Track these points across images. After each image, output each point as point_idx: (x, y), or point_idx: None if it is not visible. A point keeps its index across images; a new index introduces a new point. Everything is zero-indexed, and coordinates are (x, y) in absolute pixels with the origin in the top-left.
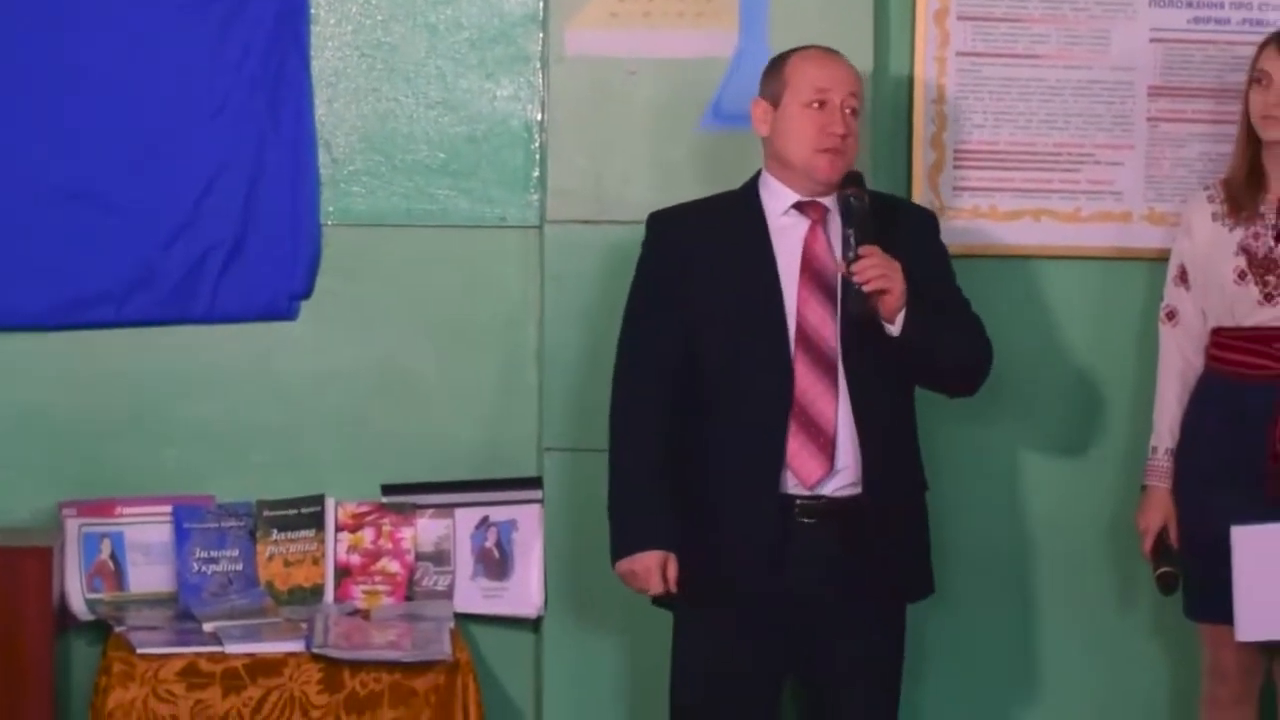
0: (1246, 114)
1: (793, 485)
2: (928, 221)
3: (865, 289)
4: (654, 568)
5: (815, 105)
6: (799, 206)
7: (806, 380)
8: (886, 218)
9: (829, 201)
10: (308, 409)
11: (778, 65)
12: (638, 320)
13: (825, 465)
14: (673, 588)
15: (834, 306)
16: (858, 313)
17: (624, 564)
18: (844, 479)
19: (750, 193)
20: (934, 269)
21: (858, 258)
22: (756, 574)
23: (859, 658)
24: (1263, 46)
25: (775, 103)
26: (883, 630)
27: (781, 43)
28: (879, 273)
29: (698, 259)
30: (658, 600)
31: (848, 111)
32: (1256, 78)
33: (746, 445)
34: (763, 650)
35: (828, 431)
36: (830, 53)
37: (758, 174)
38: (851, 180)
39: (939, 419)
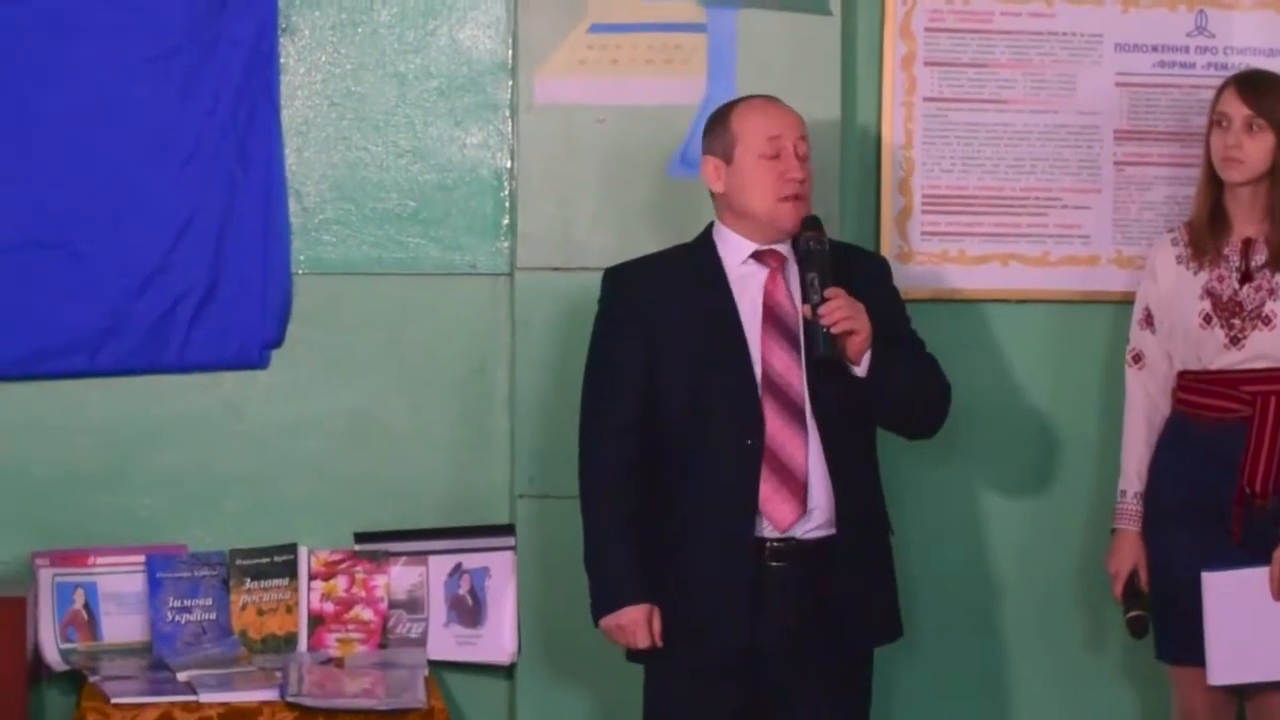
0: (1208, 157)
1: (765, 529)
2: (880, 267)
3: (833, 330)
4: (641, 621)
5: (770, 155)
6: (756, 255)
7: (775, 425)
8: (840, 264)
9: (784, 249)
10: (279, 457)
11: (722, 120)
12: (600, 377)
13: (798, 509)
14: (658, 641)
15: (797, 352)
16: (825, 355)
17: (609, 620)
18: (816, 520)
19: (705, 245)
20: (889, 313)
21: (823, 300)
22: (734, 621)
23: (827, 703)
24: (1222, 89)
25: (727, 158)
26: (850, 675)
27: (749, 90)
28: (845, 314)
29: (659, 313)
30: (633, 655)
31: (799, 155)
32: (1217, 120)
33: (720, 493)
34: (732, 699)
35: (799, 476)
36: (772, 100)
37: (710, 225)
38: (809, 225)
39: (906, 462)
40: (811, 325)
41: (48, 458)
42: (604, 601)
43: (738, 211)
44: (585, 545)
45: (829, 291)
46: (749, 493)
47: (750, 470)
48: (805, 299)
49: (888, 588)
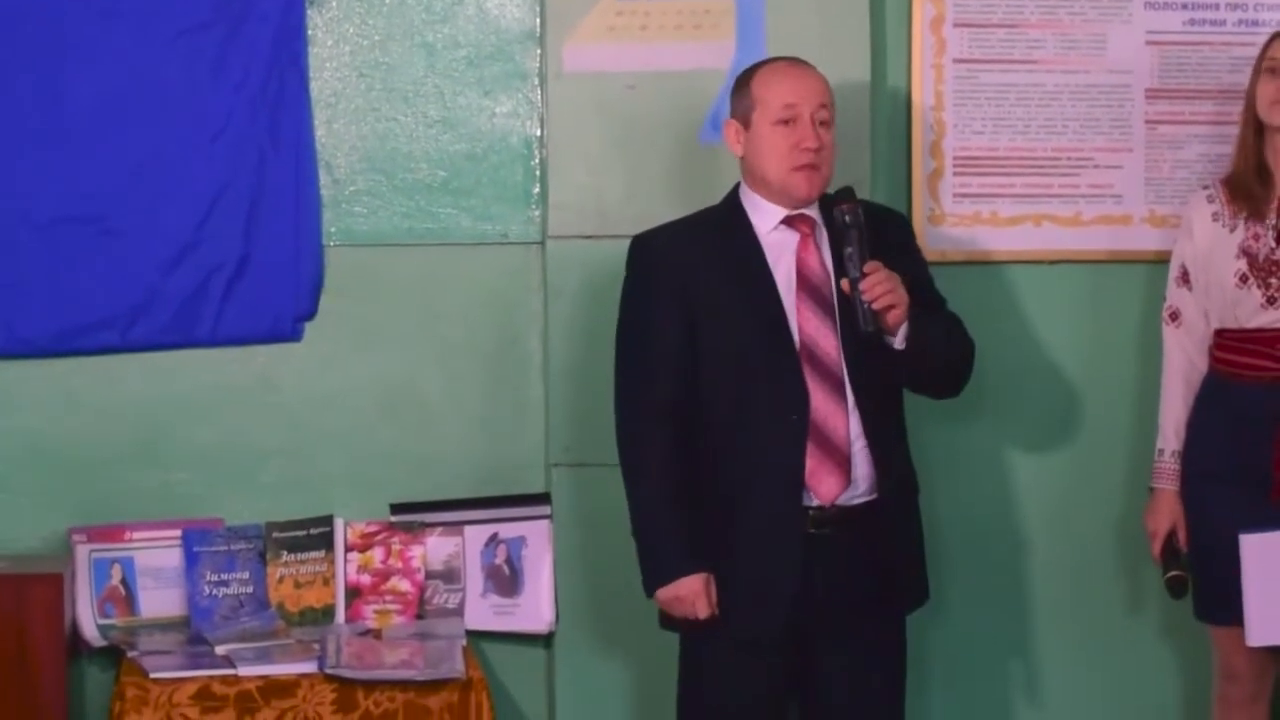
0: (1250, 109)
1: (811, 500)
2: (904, 227)
3: (874, 306)
4: (701, 591)
5: (785, 122)
6: (787, 221)
7: (819, 399)
8: (872, 232)
9: (813, 212)
10: (314, 430)
11: (744, 82)
12: (638, 352)
13: (842, 482)
14: (714, 610)
15: (832, 320)
16: (869, 331)
17: (666, 591)
18: (859, 489)
19: (734, 208)
20: (917, 275)
21: (863, 275)
22: (783, 595)
23: (867, 671)
24: (1274, 37)
25: (745, 122)
26: (886, 641)
27: (779, 53)
28: (886, 289)
29: (695, 282)
30: (670, 625)
31: (819, 124)
32: (1269, 67)
33: (765, 467)
34: (775, 671)
35: (843, 449)
36: (796, 63)
37: (736, 187)
38: (843, 195)
39: (940, 425)
40: (853, 301)
41: (83, 434)
42: (659, 573)
43: (757, 177)
44: (633, 519)
45: (868, 266)
46: (795, 467)
47: (796, 445)
48: (844, 274)
49: (920, 549)
